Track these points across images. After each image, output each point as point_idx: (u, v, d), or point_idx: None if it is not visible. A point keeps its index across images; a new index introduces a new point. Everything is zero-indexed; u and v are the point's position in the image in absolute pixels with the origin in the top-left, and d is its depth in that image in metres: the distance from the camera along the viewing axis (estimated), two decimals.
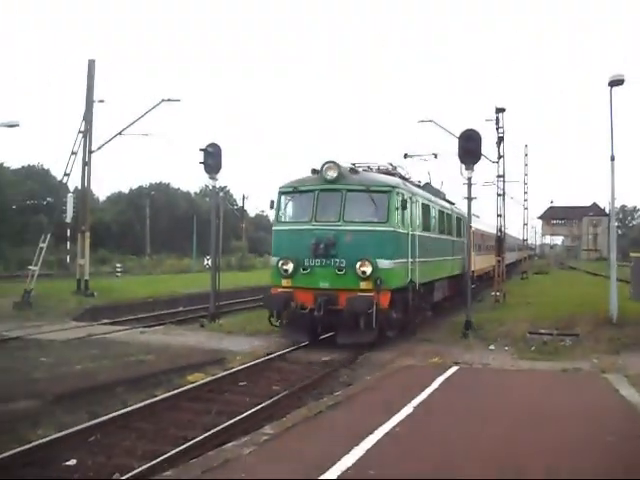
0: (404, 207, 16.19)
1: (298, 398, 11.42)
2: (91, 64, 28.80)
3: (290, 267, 15.75)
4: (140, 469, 7.66)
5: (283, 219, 16.96)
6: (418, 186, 20.96)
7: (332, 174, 15.90)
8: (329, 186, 16.01)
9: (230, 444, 7.69)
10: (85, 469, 8.06)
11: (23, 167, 76.13)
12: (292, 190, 16.78)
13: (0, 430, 9.32)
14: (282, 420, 8.95)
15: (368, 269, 15.01)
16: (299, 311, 15.43)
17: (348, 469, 6.76)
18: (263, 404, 10.75)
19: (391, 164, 19.02)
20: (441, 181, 27.98)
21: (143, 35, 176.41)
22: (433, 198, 21.45)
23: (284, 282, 15.93)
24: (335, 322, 15.40)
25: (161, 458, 7.95)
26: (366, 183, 15.95)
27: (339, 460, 6.97)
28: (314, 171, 16.38)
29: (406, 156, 25.41)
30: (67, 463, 8.24)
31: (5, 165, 66.73)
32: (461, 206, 26.77)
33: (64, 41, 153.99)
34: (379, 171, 18.38)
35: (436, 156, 25.38)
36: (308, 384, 12.42)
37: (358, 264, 15.04)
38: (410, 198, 17.20)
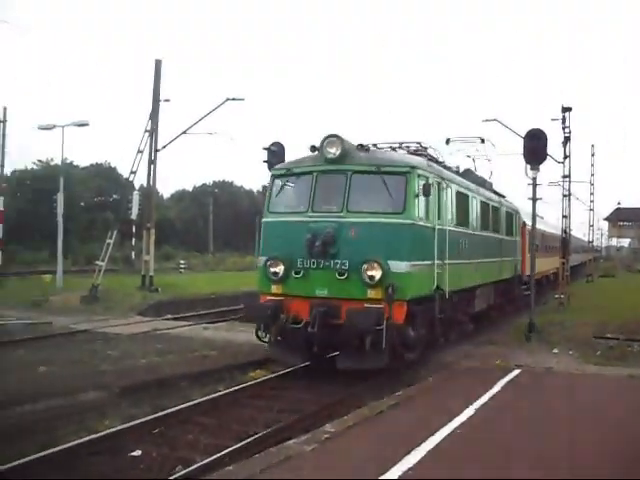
0: (428, 194, 12.62)
1: (359, 397, 11.43)
2: (158, 64, 29.42)
3: (280, 270, 12.61)
4: (202, 463, 7.81)
5: (275, 209, 13.63)
6: (457, 173, 17.52)
7: (334, 151, 12.60)
8: (330, 167, 12.79)
9: (291, 441, 7.77)
10: (150, 460, 8.29)
11: (91, 165, 78.24)
12: (285, 172, 13.56)
13: (70, 420, 9.68)
14: (343, 419, 8.98)
15: (377, 273, 11.80)
16: (290, 325, 12.28)
17: (409, 469, 6.75)
18: (324, 402, 10.81)
19: (420, 143, 15.61)
20: (490, 171, 23.68)
21: (207, 35, 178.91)
22: (474, 187, 17.76)
23: (274, 288, 12.78)
24: (336, 340, 12.03)
25: (223, 452, 8.09)
26: (377, 162, 12.60)
27: (400, 461, 6.97)
28: (313, 148, 12.97)
29: (448, 141, 21.48)
30: (132, 454, 8.50)
31: (74, 163, 68.55)
32: (523, 205, 25.48)
33: (132, 41, 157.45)
34: (408, 151, 15.06)
35: (483, 141, 21.44)
36: (369, 383, 12.40)
37: (364, 267, 11.84)
38: (438, 184, 13.83)
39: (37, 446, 8.44)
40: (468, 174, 19.05)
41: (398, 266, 11.95)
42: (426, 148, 15.61)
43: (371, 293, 11.88)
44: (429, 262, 13.09)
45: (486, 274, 18.47)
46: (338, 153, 12.59)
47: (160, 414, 9.85)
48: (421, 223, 12.72)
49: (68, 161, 57.69)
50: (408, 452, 7.27)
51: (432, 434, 8.04)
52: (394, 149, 14.92)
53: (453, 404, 9.86)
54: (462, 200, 16.04)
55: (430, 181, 13.10)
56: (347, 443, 7.89)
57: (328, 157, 12.68)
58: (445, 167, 16.10)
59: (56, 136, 29.75)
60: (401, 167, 12.67)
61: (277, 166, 14.03)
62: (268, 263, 12.75)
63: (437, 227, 13.46)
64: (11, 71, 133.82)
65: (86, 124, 30.52)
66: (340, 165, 12.68)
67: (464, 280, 15.74)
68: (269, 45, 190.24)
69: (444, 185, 14.25)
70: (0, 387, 10.85)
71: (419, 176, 12.73)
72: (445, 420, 8.74)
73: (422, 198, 12.71)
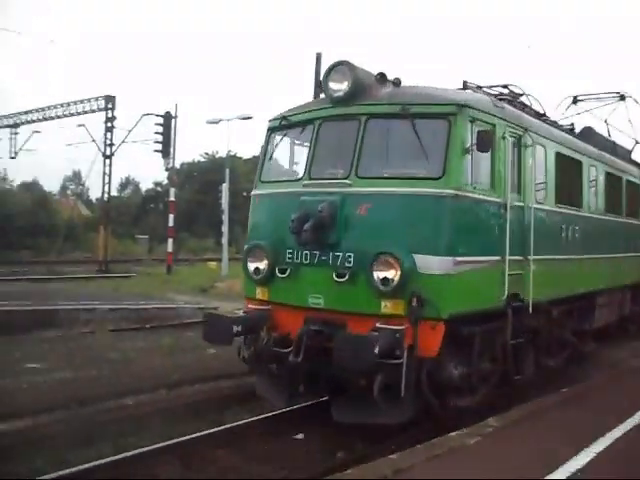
0: (486, 148, 8.24)
1: (521, 392, 11.07)
2: (318, 57, 29.66)
3: (263, 265, 8.87)
4: (361, 449, 7.92)
5: (267, 177, 9.85)
6: (570, 131, 13.11)
7: (343, 87, 8.62)
8: (337, 110, 8.83)
9: (455, 433, 7.64)
10: (312, 443, 8.52)
11: (254, 157, 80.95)
12: (280, 124, 9.62)
13: (238, 401, 10.16)
14: (507, 413, 8.71)
15: (392, 274, 7.71)
16: (272, 349, 8.53)
17: (577, 471, 6.44)
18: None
19: (507, 86, 11.17)
20: (634, 141, 17.88)
21: (363, 25, 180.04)
22: (593, 151, 13.02)
23: (258, 292, 9.08)
24: (332, 376, 8.28)
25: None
26: (403, 100, 8.32)
27: (566, 461, 6.64)
28: (319, 85, 8.99)
29: (576, 100, 16.09)
30: (296, 437, 8.77)
31: (238, 156, 71.32)
32: None
33: (292, 35, 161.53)
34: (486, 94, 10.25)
35: (623, 97, 16.37)
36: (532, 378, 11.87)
37: (374, 264, 7.81)
38: (518, 138, 9.48)
39: (208, 423, 8.95)
40: (587, 135, 14.15)
41: (429, 263, 7.75)
42: (519, 94, 11.28)
43: (387, 305, 7.84)
44: (493, 257, 8.71)
45: (614, 275, 13.68)
46: (348, 89, 8.59)
47: (325, 399, 10.05)
48: (475, 195, 8.34)
49: (232, 153, 60.14)
50: (576, 452, 6.94)
51: (602, 435, 7.63)
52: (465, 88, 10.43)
53: (626, 404, 9.30)
54: (569, 167, 11.46)
55: (498, 131, 8.88)
56: (511, 438, 7.65)
57: (334, 96, 8.76)
58: (550, 123, 11.82)
59: (221, 130, 31.39)
60: (441, 106, 8.39)
61: (274, 116, 9.92)
62: (248, 255, 9.15)
63: (512, 204, 9.04)
64: (180, 69, 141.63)
65: (250, 117, 31.72)
66: (350, 107, 8.70)
67: (569, 284, 11.27)
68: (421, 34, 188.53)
69: (529, 140, 9.72)
70: (174, 367, 11.54)
71: (473, 121, 8.37)
72: (617, 421, 8.26)
73: (479, 156, 8.39)
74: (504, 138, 8.96)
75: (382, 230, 8.04)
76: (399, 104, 8.24)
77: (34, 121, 41.99)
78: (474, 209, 8.40)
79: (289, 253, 8.56)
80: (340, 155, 8.85)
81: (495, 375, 9.23)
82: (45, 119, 41.31)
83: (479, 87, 10.44)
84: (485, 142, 8.15)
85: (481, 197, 8.45)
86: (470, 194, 8.20)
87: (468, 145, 8.16)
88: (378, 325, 7.66)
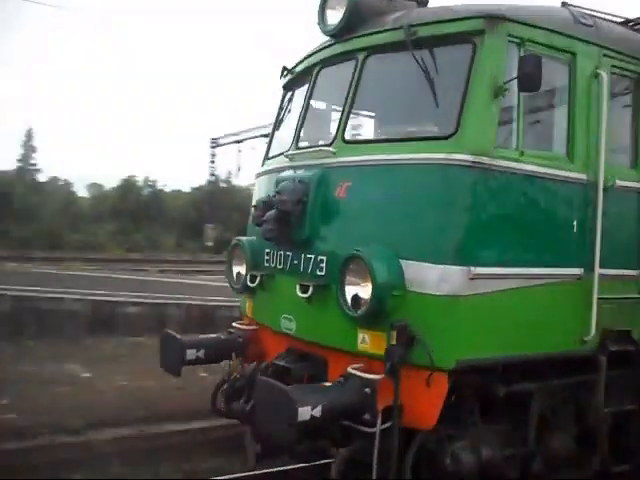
0: (531, 85, 4.93)
1: None
2: None
3: (243, 270, 6.75)
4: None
5: (273, 151, 7.33)
6: None
7: (339, 15, 6.03)
8: (336, 49, 6.22)
9: None
10: None
11: None
12: (288, 80, 7.21)
13: None
14: None
15: (363, 290, 5.01)
16: (238, 385, 6.49)
17: None
18: None
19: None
20: None
21: None
22: None
23: (247, 306, 7.00)
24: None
25: None
26: (410, 21, 5.43)
27: None
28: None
29: None
30: None
31: None
32: None
33: None
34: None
35: None
36: None
37: (346, 274, 5.11)
38: (629, 76, 6.13)
39: None
40: None
41: (425, 275, 4.87)
42: None
43: (364, 339, 5.16)
44: (565, 270, 5.50)
45: None
46: (344, 17, 5.97)
47: None
48: (521, 166, 5.15)
49: None
50: None
51: None
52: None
53: None
54: None
55: (582, 62, 5.58)
56: None
57: (328, 29, 6.19)
58: None
59: None
60: (461, 21, 5.22)
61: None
62: (231, 256, 7.02)
63: (612, 184, 5.75)
64: None
65: None
66: (347, 43, 6.06)
67: None
68: None
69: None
70: None
71: (521, 43, 5.19)
72: None
73: (542, 102, 5.76)
74: (597, 75, 5.65)
75: (360, 221, 5.42)
76: (403, 27, 5.43)
77: (255, 137, 45.02)
78: (520, 189, 5.17)
79: (267, 254, 6.36)
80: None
81: (588, 460, 5.97)
82: (264, 136, 44.13)
83: (624, 21, 6.84)
84: (532, 75, 4.84)
85: (538, 170, 5.26)
86: (508, 163, 5.06)
87: (502, 83, 5.00)
88: (349, 370, 5.02)
